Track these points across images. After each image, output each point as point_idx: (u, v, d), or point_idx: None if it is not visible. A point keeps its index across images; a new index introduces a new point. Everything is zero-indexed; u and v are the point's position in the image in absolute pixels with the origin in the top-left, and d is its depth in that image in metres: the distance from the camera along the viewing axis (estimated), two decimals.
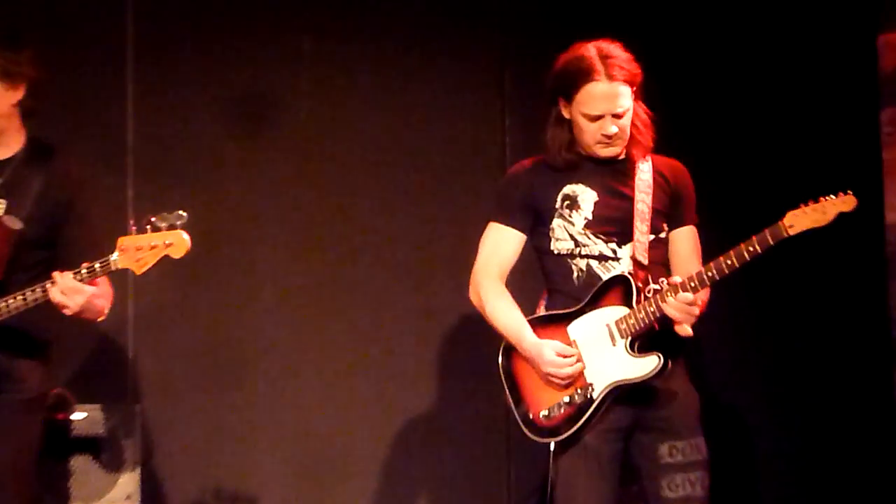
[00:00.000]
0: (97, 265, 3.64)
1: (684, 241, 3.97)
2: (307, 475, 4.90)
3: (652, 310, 3.73)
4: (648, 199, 3.85)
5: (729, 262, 3.66)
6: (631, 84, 3.80)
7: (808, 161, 5.15)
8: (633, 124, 3.86)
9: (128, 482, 4.35)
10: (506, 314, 3.88)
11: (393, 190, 5.05)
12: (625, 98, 3.79)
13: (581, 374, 3.79)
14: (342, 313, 4.95)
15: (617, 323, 3.80)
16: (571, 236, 3.87)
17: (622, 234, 3.86)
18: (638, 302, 3.75)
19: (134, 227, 3.58)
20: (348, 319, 4.96)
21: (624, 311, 3.79)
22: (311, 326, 4.94)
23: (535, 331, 3.85)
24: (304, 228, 4.97)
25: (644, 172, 3.89)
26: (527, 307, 3.96)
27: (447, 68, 5.09)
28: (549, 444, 3.82)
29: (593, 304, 3.82)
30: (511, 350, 3.89)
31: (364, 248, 5.00)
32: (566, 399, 3.80)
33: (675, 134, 4.08)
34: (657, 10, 5.10)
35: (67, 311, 3.73)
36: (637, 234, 3.83)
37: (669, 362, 3.72)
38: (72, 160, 3.90)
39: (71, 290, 3.68)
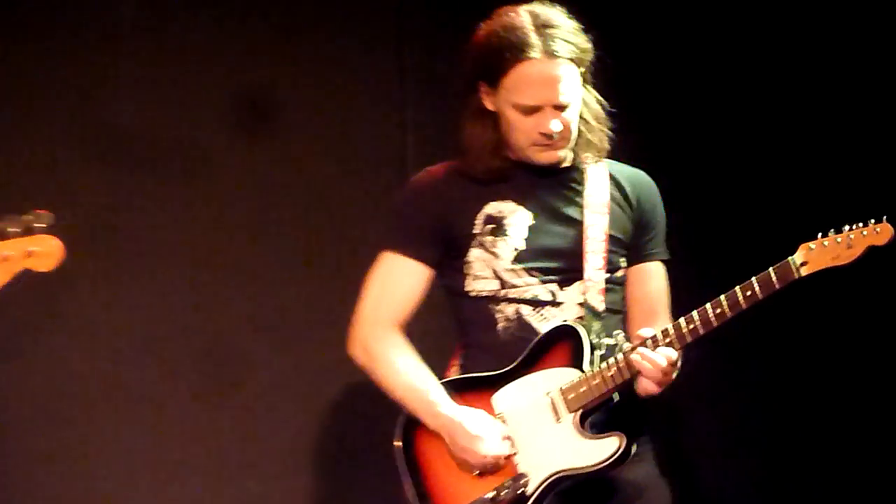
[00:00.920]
0: None
1: (650, 282, 3.62)
2: None
3: (612, 374, 3.39)
4: (604, 223, 3.51)
5: (719, 310, 3.34)
6: (579, 63, 3.45)
7: (819, 171, 4.86)
8: (581, 119, 3.51)
9: None
10: (407, 375, 3.52)
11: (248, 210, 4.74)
12: (570, 83, 3.43)
13: (511, 460, 3.44)
14: (174, 361, 4.64)
15: (563, 392, 3.41)
16: (496, 273, 3.48)
17: (566, 271, 3.49)
18: (592, 363, 3.43)
19: None
20: (182, 383, 4.63)
21: (572, 375, 3.43)
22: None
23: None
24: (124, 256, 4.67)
25: (597, 186, 3.54)
26: (433, 369, 3.63)
27: (324, 44, 4.81)
28: None
29: (529, 365, 3.48)
30: (415, 425, 3.51)
31: (210, 293, 4.69)
32: (490, 495, 3.42)
33: (638, 133, 3.84)
34: None
35: None
36: (588, 271, 3.49)
37: (633, 446, 3.38)
38: None
39: None
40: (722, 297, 3.35)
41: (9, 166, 4.48)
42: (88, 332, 4.56)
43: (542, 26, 3.42)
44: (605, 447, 3.38)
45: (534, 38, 3.40)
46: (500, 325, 3.48)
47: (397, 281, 3.55)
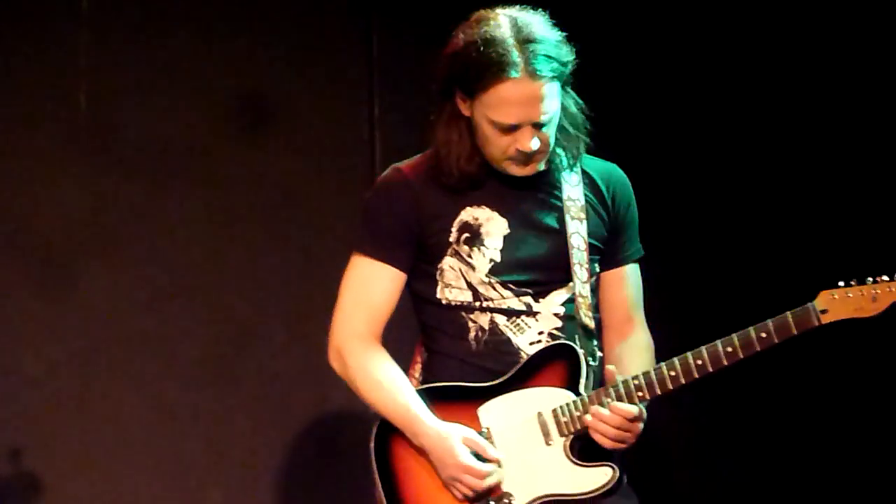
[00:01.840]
0: None
1: (625, 287, 3.54)
2: None
3: (609, 400, 3.32)
4: (584, 230, 3.44)
5: (730, 349, 3.25)
6: (561, 79, 3.36)
7: (817, 177, 4.80)
8: (559, 127, 3.42)
9: None
10: (386, 387, 3.42)
11: (213, 206, 4.68)
12: (551, 101, 3.33)
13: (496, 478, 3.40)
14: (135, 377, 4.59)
15: (555, 414, 3.33)
16: (470, 285, 3.41)
17: (543, 282, 3.42)
18: (587, 387, 3.36)
19: None
20: (145, 392, 4.58)
21: (566, 396, 3.35)
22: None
23: (431, 407, 3.41)
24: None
25: (573, 188, 3.46)
26: None
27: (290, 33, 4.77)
28: None
29: (520, 380, 3.38)
30: (390, 432, 3.42)
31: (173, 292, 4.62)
32: None
33: (614, 130, 3.70)
34: None
35: None
36: (577, 284, 3.42)
37: (625, 476, 3.34)
38: None
39: None
40: (734, 337, 3.26)
41: (8, 166, 4.49)
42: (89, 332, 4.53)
43: (524, 41, 3.29)
44: (598, 476, 3.32)
45: (515, 56, 3.27)
46: (472, 335, 3.41)
47: (372, 287, 3.47)
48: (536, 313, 3.39)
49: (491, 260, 3.38)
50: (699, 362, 3.26)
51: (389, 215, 3.45)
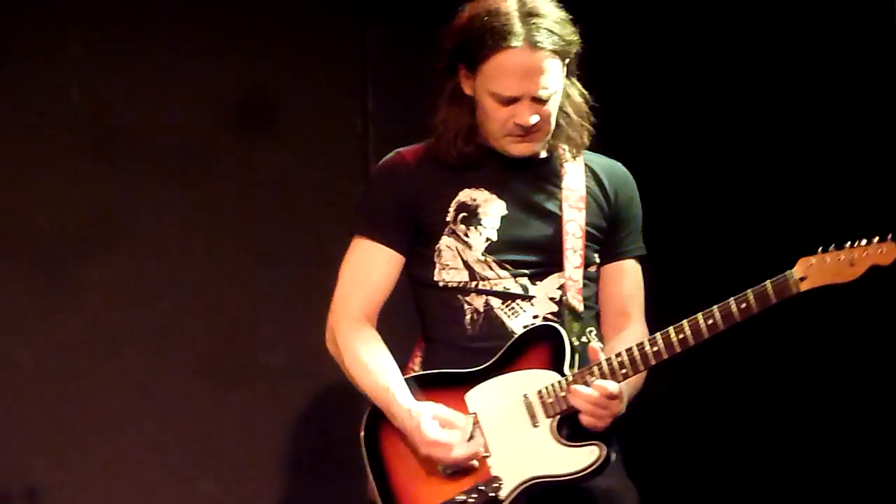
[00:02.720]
0: None
1: (624, 281, 3.53)
2: None
3: (594, 378, 3.30)
4: (581, 218, 3.42)
5: (711, 321, 3.23)
6: (563, 56, 3.34)
7: (807, 168, 4.79)
8: (562, 111, 3.41)
9: None
10: (373, 369, 3.41)
11: (206, 192, 4.64)
12: (552, 76, 3.32)
13: (484, 463, 3.33)
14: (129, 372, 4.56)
15: (540, 395, 3.31)
16: (466, 264, 3.40)
17: (539, 265, 3.41)
18: (572, 366, 3.32)
19: None
20: (137, 384, 4.56)
21: (551, 377, 3.32)
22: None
23: (419, 395, 3.38)
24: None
25: (574, 178, 3.45)
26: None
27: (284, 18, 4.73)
28: None
29: (505, 364, 3.37)
30: (380, 418, 3.41)
31: (164, 282, 4.60)
32: (461, 498, 3.32)
33: (620, 126, 3.71)
34: None
35: None
36: (568, 270, 3.40)
37: (612, 455, 3.30)
38: None
39: None
40: (714, 308, 3.25)
41: (8, 166, 4.47)
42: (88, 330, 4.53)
43: (527, 14, 3.31)
44: (585, 456, 3.31)
45: (517, 27, 3.29)
46: (468, 318, 3.40)
47: (369, 268, 3.47)
48: (532, 297, 3.39)
49: (487, 239, 3.38)
50: (681, 336, 3.25)
51: (387, 197, 3.45)
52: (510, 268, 3.38)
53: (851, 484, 4.86)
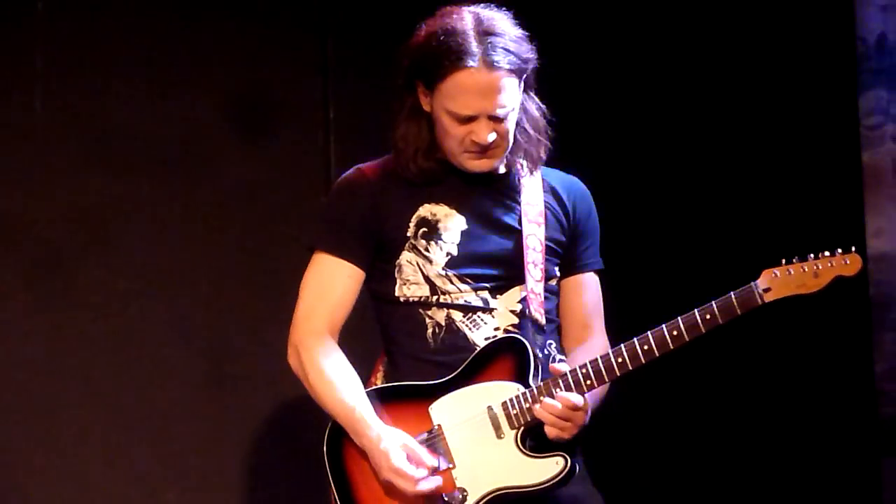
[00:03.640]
0: None
1: (584, 294, 3.52)
2: None
3: (559, 390, 3.29)
4: (541, 233, 3.42)
5: (675, 332, 3.21)
6: (520, 74, 3.32)
7: (765, 169, 4.80)
8: (519, 127, 3.40)
9: None
10: (336, 387, 3.37)
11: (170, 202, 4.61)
12: (509, 94, 3.30)
13: (449, 474, 3.31)
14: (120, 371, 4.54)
15: (505, 407, 3.30)
16: (427, 278, 3.38)
17: (499, 278, 3.39)
18: (536, 378, 3.31)
19: None
20: (129, 380, 4.54)
21: (515, 389, 3.31)
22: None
23: (382, 408, 3.36)
24: None
25: (533, 193, 3.45)
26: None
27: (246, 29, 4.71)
28: None
29: (469, 375, 3.34)
30: (342, 433, 3.38)
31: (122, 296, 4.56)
32: None
33: (575, 138, 3.64)
34: None
35: None
36: (530, 283, 3.38)
37: (577, 465, 3.30)
38: None
39: None
40: (678, 319, 3.24)
41: (8, 167, 4.45)
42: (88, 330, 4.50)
43: (484, 33, 3.29)
44: (550, 466, 3.30)
45: (474, 46, 3.27)
46: (430, 332, 3.38)
47: (330, 284, 3.43)
48: (493, 309, 3.37)
49: (448, 254, 3.37)
50: (646, 347, 3.24)
51: (348, 212, 3.42)
52: (471, 281, 3.36)
53: (809, 486, 4.86)
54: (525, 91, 3.36)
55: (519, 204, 3.41)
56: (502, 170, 3.41)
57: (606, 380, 3.25)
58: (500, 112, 3.28)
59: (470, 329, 3.36)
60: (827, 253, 3.22)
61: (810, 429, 4.88)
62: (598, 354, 3.29)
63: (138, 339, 4.51)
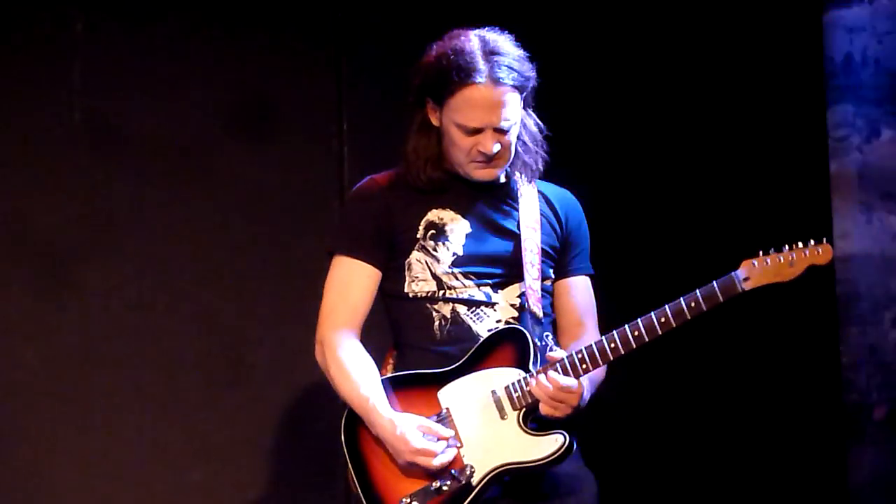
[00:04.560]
0: None
1: (576, 294, 3.58)
2: None
3: (517, 396, 3.38)
4: (537, 237, 3.48)
5: (663, 318, 3.28)
6: (521, 90, 3.40)
7: (739, 176, 4.85)
8: (519, 140, 3.47)
9: None
10: (355, 379, 3.41)
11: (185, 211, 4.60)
12: (512, 108, 3.38)
13: (457, 453, 3.36)
14: (124, 370, 4.54)
15: (507, 390, 3.37)
16: (434, 275, 3.45)
17: (500, 276, 3.47)
18: (536, 363, 3.37)
19: None
20: (131, 379, 4.55)
21: (517, 374, 3.37)
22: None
23: (393, 395, 3.41)
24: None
25: (529, 202, 3.52)
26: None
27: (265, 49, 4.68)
28: None
29: (475, 363, 3.41)
30: (357, 417, 3.43)
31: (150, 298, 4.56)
32: (435, 485, 3.34)
33: (567, 152, 3.69)
34: None
35: None
36: (528, 281, 3.45)
37: (575, 442, 3.34)
38: None
39: None
40: (665, 307, 3.29)
41: (9, 168, 4.45)
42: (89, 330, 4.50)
43: (490, 53, 3.36)
44: (550, 444, 3.35)
45: (481, 64, 3.34)
46: (437, 324, 3.44)
47: (351, 284, 3.48)
48: (495, 303, 3.43)
49: (454, 253, 3.43)
50: (636, 333, 3.28)
51: (364, 217, 3.47)
52: (474, 278, 3.43)
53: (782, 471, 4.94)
54: (524, 108, 3.43)
55: (517, 210, 3.49)
56: (503, 179, 3.49)
57: (601, 363, 3.31)
58: (504, 125, 3.36)
59: (474, 321, 3.43)
60: (800, 244, 3.26)
61: (780, 416, 4.90)
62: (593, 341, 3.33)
63: (169, 332, 4.52)
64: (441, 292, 3.45)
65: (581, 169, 3.75)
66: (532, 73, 3.42)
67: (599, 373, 3.42)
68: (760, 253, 3.28)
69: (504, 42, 3.40)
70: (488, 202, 3.50)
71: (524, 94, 3.42)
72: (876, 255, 4.79)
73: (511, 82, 3.36)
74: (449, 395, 3.41)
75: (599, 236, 3.65)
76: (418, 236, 3.46)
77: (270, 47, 4.67)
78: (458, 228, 3.46)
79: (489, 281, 3.46)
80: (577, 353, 3.33)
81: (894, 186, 4.79)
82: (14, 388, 4.43)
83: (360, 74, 4.72)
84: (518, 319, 3.45)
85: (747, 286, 3.27)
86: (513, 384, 3.37)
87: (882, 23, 4.75)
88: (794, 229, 3.45)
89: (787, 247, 3.28)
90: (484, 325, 3.44)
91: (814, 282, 3.48)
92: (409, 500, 3.36)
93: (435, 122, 3.44)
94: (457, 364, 3.42)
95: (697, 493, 4.91)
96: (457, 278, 3.45)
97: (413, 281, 3.47)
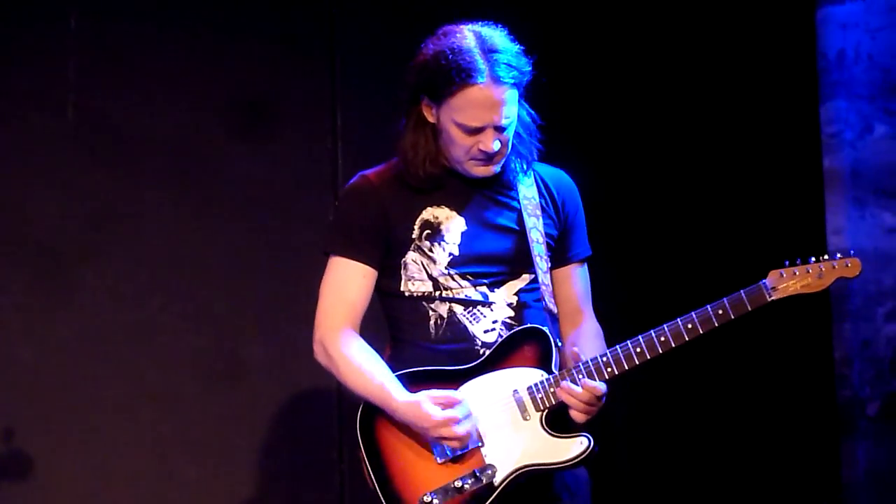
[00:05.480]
0: None
1: (576, 283, 3.56)
2: None
3: (581, 376, 3.33)
4: (540, 225, 3.44)
5: (690, 325, 3.27)
6: (519, 86, 3.38)
7: (733, 172, 4.85)
8: (515, 133, 3.44)
9: None
10: (365, 370, 3.38)
11: (183, 206, 4.60)
12: (511, 106, 3.36)
13: (478, 452, 3.34)
14: (121, 367, 4.54)
15: (529, 391, 3.35)
16: (430, 276, 3.43)
17: (496, 275, 3.45)
18: (558, 365, 3.36)
19: None
20: (128, 377, 4.55)
21: (538, 374, 3.36)
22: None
23: (411, 391, 3.35)
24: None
25: (528, 189, 3.48)
26: None
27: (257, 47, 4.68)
28: None
29: (495, 362, 3.39)
30: (374, 411, 3.39)
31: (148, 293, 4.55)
32: (457, 484, 3.32)
33: (560, 135, 3.65)
34: None
35: None
36: (540, 274, 3.42)
37: (597, 446, 3.33)
38: None
39: None
40: (693, 314, 3.28)
41: (8, 168, 4.44)
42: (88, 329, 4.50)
43: (488, 51, 3.32)
44: (575, 446, 3.33)
45: (481, 64, 3.30)
46: (432, 322, 3.43)
47: (348, 284, 3.46)
48: (491, 303, 3.41)
49: (450, 254, 3.41)
50: (662, 339, 3.28)
51: (359, 217, 3.45)
52: (471, 278, 3.42)
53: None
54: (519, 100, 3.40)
55: (518, 201, 3.46)
56: (497, 169, 3.45)
57: (626, 367, 3.30)
58: (504, 122, 3.34)
59: (470, 322, 3.42)
60: (826, 256, 3.30)
61: (774, 411, 4.93)
62: (601, 347, 3.36)
63: (164, 330, 4.52)
64: (437, 292, 3.44)
65: (575, 166, 3.71)
66: (528, 68, 3.38)
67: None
68: (786, 263, 3.30)
69: (500, 38, 3.37)
70: (485, 197, 3.48)
71: (521, 89, 3.41)
72: (869, 251, 4.78)
73: (511, 80, 3.34)
74: (468, 394, 3.37)
75: (591, 230, 3.65)
76: (414, 236, 3.45)
77: (265, 46, 4.67)
78: (454, 227, 3.44)
79: (485, 280, 3.44)
80: (602, 357, 3.32)
81: (887, 182, 4.82)
82: (10, 387, 4.43)
83: (353, 72, 4.72)
84: (515, 318, 3.44)
85: (776, 296, 3.29)
86: (535, 385, 3.36)
87: (875, 19, 4.76)
88: (788, 224, 3.43)
89: (812, 258, 3.31)
90: (480, 325, 3.43)
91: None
92: (429, 499, 3.34)
93: (430, 119, 3.42)
94: (477, 362, 3.40)
95: (691, 488, 4.94)
96: (453, 279, 3.43)
97: (409, 280, 3.46)
